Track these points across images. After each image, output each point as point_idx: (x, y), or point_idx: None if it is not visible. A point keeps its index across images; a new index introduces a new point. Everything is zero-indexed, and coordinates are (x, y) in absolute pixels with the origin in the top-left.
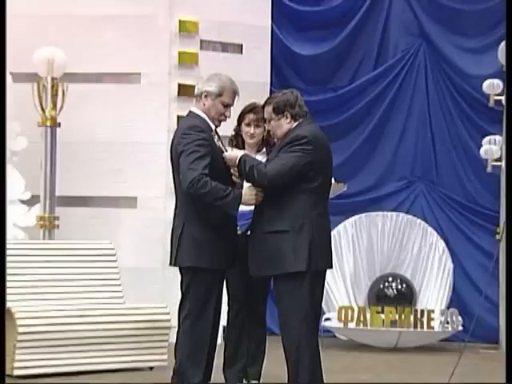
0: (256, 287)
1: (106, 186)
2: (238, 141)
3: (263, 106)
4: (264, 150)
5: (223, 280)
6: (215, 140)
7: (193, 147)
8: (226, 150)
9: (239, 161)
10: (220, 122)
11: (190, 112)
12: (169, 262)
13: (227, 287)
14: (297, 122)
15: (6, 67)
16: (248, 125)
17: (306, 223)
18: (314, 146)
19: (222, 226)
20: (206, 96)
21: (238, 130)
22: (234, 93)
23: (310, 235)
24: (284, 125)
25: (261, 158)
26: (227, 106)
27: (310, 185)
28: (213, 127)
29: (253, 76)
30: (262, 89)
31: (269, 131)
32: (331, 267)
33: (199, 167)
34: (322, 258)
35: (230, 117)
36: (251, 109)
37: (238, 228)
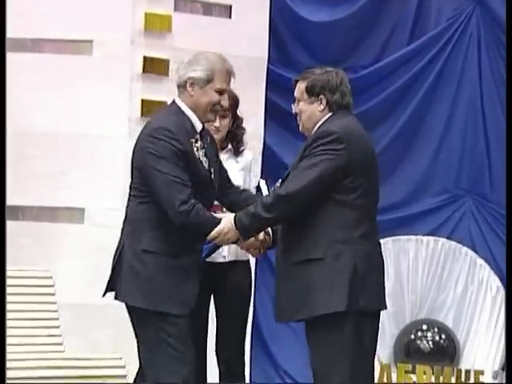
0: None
1: (42, 193)
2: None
3: (296, 81)
4: (230, 146)
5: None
6: (195, 149)
7: (171, 155)
8: (220, 162)
9: (235, 222)
10: (215, 114)
11: (174, 104)
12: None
13: None
14: (330, 113)
15: (5, 66)
16: None
17: (346, 249)
18: (347, 145)
19: (182, 253)
20: (191, 84)
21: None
22: (228, 73)
23: (350, 264)
24: (316, 112)
25: (226, 156)
26: (222, 92)
27: (347, 196)
28: (199, 128)
29: (245, 49)
30: (256, 66)
31: (234, 123)
32: (383, 307)
33: (187, 185)
34: (367, 295)
35: (227, 105)
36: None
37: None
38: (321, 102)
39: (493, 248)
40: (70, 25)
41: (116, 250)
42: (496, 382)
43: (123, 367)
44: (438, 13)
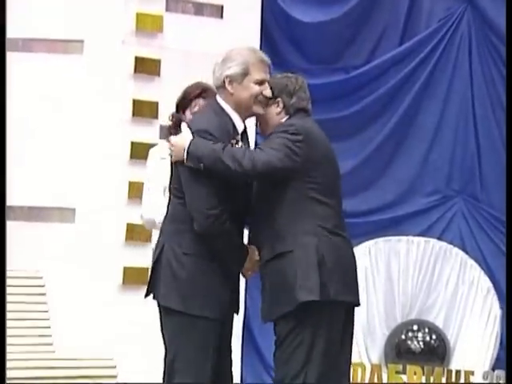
0: None
1: (33, 193)
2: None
3: None
4: None
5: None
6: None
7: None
8: None
9: (189, 146)
10: (261, 105)
11: (214, 101)
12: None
13: None
14: (287, 116)
15: (5, 66)
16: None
17: (313, 240)
18: (305, 137)
19: (219, 256)
20: (230, 82)
21: (178, 119)
22: (263, 63)
23: (317, 254)
24: (273, 115)
25: None
26: (261, 82)
27: (312, 192)
28: (240, 128)
29: None
30: None
31: None
32: (355, 301)
33: (220, 192)
34: (336, 286)
35: (269, 95)
36: (201, 91)
37: None
38: (278, 105)
39: (483, 249)
40: (61, 24)
41: (154, 251)
42: (486, 382)
43: (114, 367)
44: (429, 14)
